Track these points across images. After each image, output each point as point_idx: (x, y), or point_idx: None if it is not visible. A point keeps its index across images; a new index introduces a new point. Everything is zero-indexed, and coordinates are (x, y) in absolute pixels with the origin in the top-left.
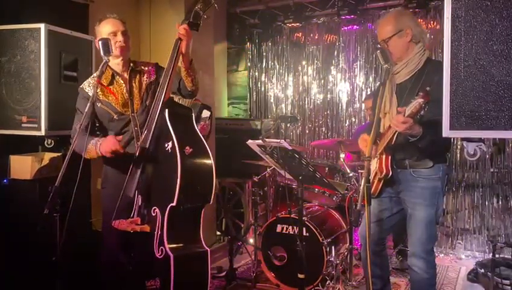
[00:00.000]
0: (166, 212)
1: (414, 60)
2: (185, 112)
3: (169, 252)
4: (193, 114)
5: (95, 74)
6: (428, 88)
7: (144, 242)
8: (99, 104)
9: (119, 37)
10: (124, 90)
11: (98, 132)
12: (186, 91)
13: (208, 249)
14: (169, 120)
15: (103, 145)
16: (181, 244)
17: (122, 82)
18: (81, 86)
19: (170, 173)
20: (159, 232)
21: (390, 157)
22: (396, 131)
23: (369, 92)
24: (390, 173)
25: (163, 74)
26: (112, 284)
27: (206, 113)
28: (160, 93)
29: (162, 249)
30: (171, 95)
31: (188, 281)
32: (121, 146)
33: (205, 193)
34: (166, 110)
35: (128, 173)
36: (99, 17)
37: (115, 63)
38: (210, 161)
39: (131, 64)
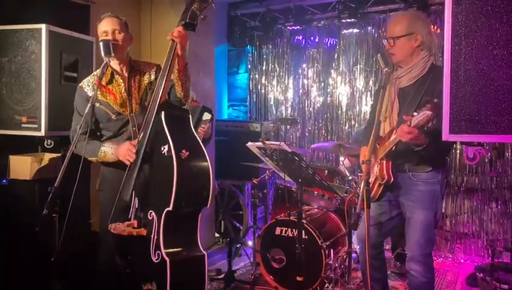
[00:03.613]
0: (163, 216)
1: (418, 65)
2: (182, 114)
3: (166, 257)
4: (190, 116)
5: (94, 73)
6: (436, 100)
7: (140, 245)
8: (97, 104)
9: (110, 37)
10: (123, 90)
11: (98, 134)
12: (175, 97)
13: (205, 254)
14: (165, 123)
15: (120, 153)
16: (177, 249)
17: (121, 81)
18: (80, 85)
19: (166, 177)
20: (155, 237)
21: (391, 163)
22: (398, 139)
23: (368, 95)
24: (392, 179)
25: (160, 75)
26: (109, 286)
27: (207, 116)
28: (156, 95)
29: (158, 253)
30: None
31: (185, 285)
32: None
33: (202, 197)
34: (163, 112)
35: (124, 176)
36: (100, 17)
37: (113, 62)
38: (207, 165)
39: (132, 64)
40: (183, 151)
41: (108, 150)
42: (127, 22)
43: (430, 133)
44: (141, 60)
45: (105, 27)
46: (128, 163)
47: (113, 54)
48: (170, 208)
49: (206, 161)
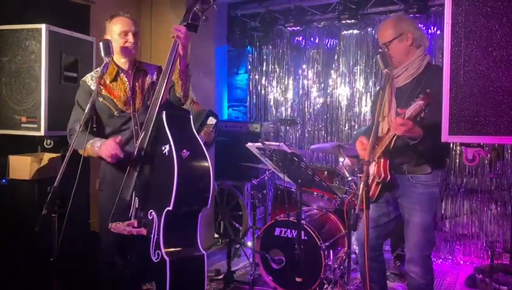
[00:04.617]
0: (163, 216)
1: (414, 64)
2: (183, 114)
3: (165, 257)
4: (191, 116)
5: (98, 69)
6: (428, 90)
7: (140, 245)
8: (100, 99)
9: (130, 38)
10: (127, 88)
11: (95, 129)
12: (175, 96)
13: (205, 254)
14: (166, 123)
15: (103, 149)
16: (177, 249)
17: (126, 80)
18: (83, 79)
19: (167, 177)
20: (155, 236)
21: (388, 161)
22: (395, 135)
23: (368, 96)
24: (389, 177)
25: (161, 75)
26: (108, 286)
27: (212, 120)
28: (158, 95)
29: (158, 253)
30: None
31: (184, 285)
32: (120, 151)
33: (203, 197)
34: (164, 112)
35: (125, 176)
36: (111, 14)
37: (122, 61)
38: (208, 165)
39: (137, 64)
40: (184, 151)
41: (95, 144)
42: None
43: (425, 125)
44: (142, 61)
45: (126, 27)
46: (110, 161)
47: (113, 55)
48: (170, 208)
49: (207, 161)
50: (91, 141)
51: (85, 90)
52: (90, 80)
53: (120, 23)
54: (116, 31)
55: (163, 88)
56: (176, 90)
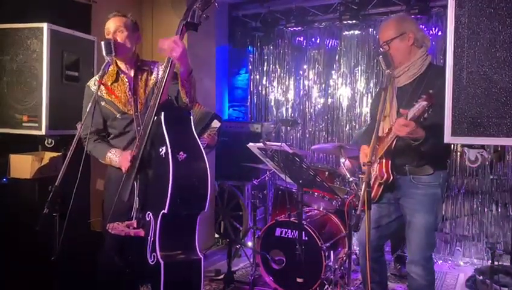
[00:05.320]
0: (159, 218)
1: (416, 64)
2: (182, 115)
3: (160, 259)
4: (192, 117)
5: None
6: (431, 91)
7: (138, 246)
8: (103, 103)
9: (110, 36)
10: (127, 89)
11: (105, 133)
12: (181, 102)
13: (202, 257)
14: (164, 124)
15: (120, 162)
16: (173, 252)
17: (127, 80)
18: (87, 84)
19: (163, 179)
20: (152, 238)
21: (390, 161)
22: (396, 135)
23: (369, 97)
24: (391, 178)
25: (157, 84)
26: (107, 286)
27: (216, 124)
28: (156, 97)
29: (154, 255)
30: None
31: (179, 288)
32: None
33: (199, 201)
34: (163, 113)
35: (124, 176)
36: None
37: (119, 61)
38: (205, 168)
39: (139, 63)
40: (181, 153)
41: (113, 158)
42: (135, 22)
43: (427, 127)
44: (146, 59)
45: (108, 25)
46: (123, 170)
47: (114, 54)
48: (165, 211)
49: (205, 163)
50: (109, 155)
51: (89, 94)
52: (93, 84)
53: (108, 24)
54: (105, 33)
55: (161, 89)
56: (182, 97)
